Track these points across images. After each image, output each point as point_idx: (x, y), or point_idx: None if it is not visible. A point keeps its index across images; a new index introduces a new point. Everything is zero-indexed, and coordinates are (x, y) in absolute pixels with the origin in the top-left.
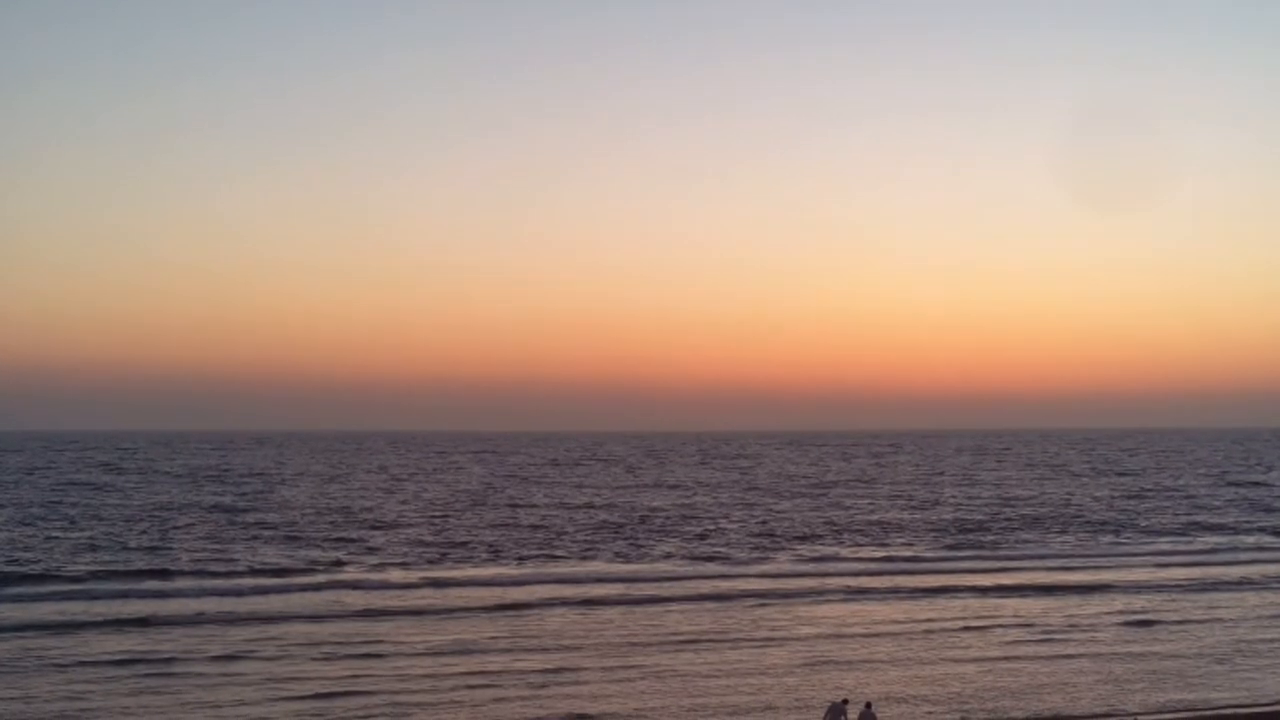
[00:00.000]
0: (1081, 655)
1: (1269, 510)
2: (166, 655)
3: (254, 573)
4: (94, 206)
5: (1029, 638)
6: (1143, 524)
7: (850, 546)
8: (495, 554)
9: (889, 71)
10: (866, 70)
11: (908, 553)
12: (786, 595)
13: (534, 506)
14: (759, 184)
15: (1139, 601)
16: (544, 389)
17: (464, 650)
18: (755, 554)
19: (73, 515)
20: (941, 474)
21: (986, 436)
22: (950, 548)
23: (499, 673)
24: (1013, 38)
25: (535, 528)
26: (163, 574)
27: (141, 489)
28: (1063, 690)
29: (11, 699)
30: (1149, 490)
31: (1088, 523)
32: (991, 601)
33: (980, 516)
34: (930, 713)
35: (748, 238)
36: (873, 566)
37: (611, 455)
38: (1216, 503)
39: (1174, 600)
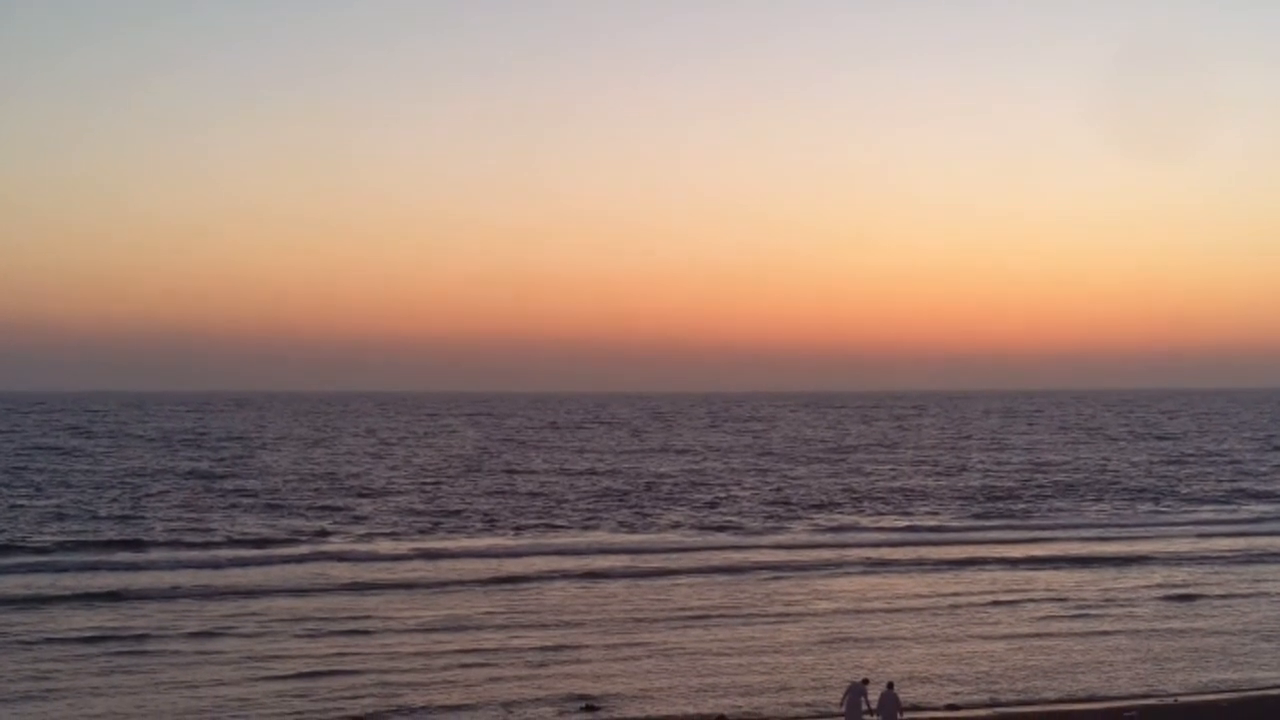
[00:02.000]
0: (1118, 632)
1: None
2: (139, 632)
3: (233, 544)
4: (57, 153)
5: (1062, 613)
6: (1184, 491)
7: (871, 515)
8: (491, 523)
9: (910, 7)
10: (886, 5)
11: (932, 522)
12: (802, 567)
13: (532, 473)
14: (773, 128)
15: (1180, 574)
16: (543, 347)
17: (457, 626)
18: (769, 524)
19: (38, 482)
20: (968, 438)
21: (1016, 398)
22: (978, 517)
23: (494, 650)
24: None
25: (533, 495)
26: (135, 545)
27: (112, 454)
28: (1098, 669)
29: None
30: (1190, 455)
31: (1125, 490)
32: (1022, 574)
33: (1010, 483)
34: (957, 693)
35: (760, 185)
36: (895, 537)
37: (615, 418)
38: (1263, 469)
39: (1217, 573)
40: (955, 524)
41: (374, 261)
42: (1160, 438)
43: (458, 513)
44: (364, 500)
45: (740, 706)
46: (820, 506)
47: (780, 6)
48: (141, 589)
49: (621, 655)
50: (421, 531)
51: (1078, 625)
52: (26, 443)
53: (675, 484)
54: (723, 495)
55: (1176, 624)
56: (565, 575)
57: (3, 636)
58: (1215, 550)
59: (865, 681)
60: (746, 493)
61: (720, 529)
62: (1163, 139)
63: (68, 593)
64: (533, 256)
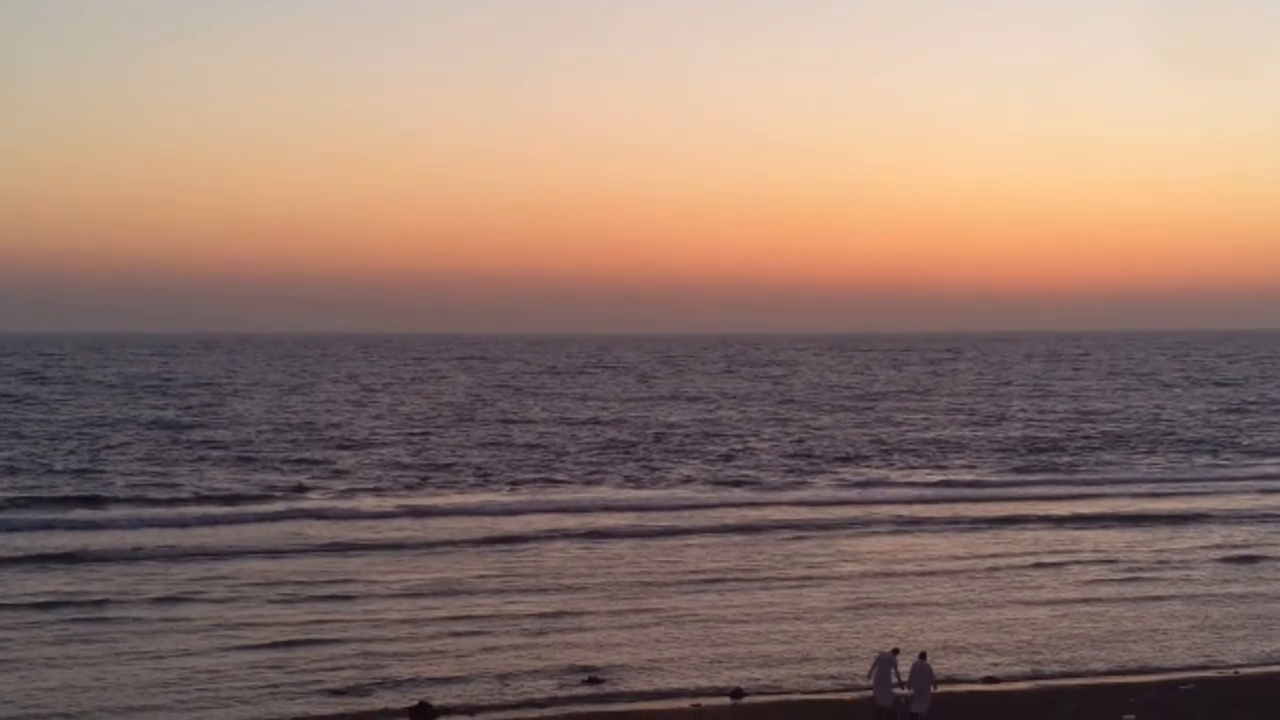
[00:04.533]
0: (1173, 597)
1: None
2: (98, 597)
3: (201, 500)
4: (7, 77)
5: (1111, 576)
6: (1245, 443)
7: (901, 469)
8: (484, 478)
9: None
10: None
11: (969, 476)
12: (826, 526)
13: (530, 422)
14: (791, 49)
15: (1240, 533)
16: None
17: (447, 591)
18: (790, 478)
19: None
20: (1008, 384)
21: (1061, 340)
22: (1019, 470)
23: (488, 617)
24: None
25: (531, 447)
26: (94, 501)
27: (69, 401)
28: (1151, 638)
29: None
30: (1252, 403)
31: (1180, 441)
32: (1067, 533)
33: (1054, 434)
34: (995, 664)
35: (779, 110)
36: (928, 493)
37: (621, 362)
38: None
39: None
40: (994, 478)
41: (357, 191)
42: (1219, 384)
43: (448, 466)
44: (345, 453)
45: (758, 679)
46: (846, 459)
47: None
48: (101, 550)
49: (627, 623)
50: (408, 487)
51: (1128, 590)
52: None
53: (687, 435)
54: (739, 447)
55: (1237, 588)
56: (566, 535)
57: None
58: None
59: (895, 651)
60: (765, 444)
61: (736, 484)
62: (1223, 56)
63: (19, 554)
64: (531, 186)
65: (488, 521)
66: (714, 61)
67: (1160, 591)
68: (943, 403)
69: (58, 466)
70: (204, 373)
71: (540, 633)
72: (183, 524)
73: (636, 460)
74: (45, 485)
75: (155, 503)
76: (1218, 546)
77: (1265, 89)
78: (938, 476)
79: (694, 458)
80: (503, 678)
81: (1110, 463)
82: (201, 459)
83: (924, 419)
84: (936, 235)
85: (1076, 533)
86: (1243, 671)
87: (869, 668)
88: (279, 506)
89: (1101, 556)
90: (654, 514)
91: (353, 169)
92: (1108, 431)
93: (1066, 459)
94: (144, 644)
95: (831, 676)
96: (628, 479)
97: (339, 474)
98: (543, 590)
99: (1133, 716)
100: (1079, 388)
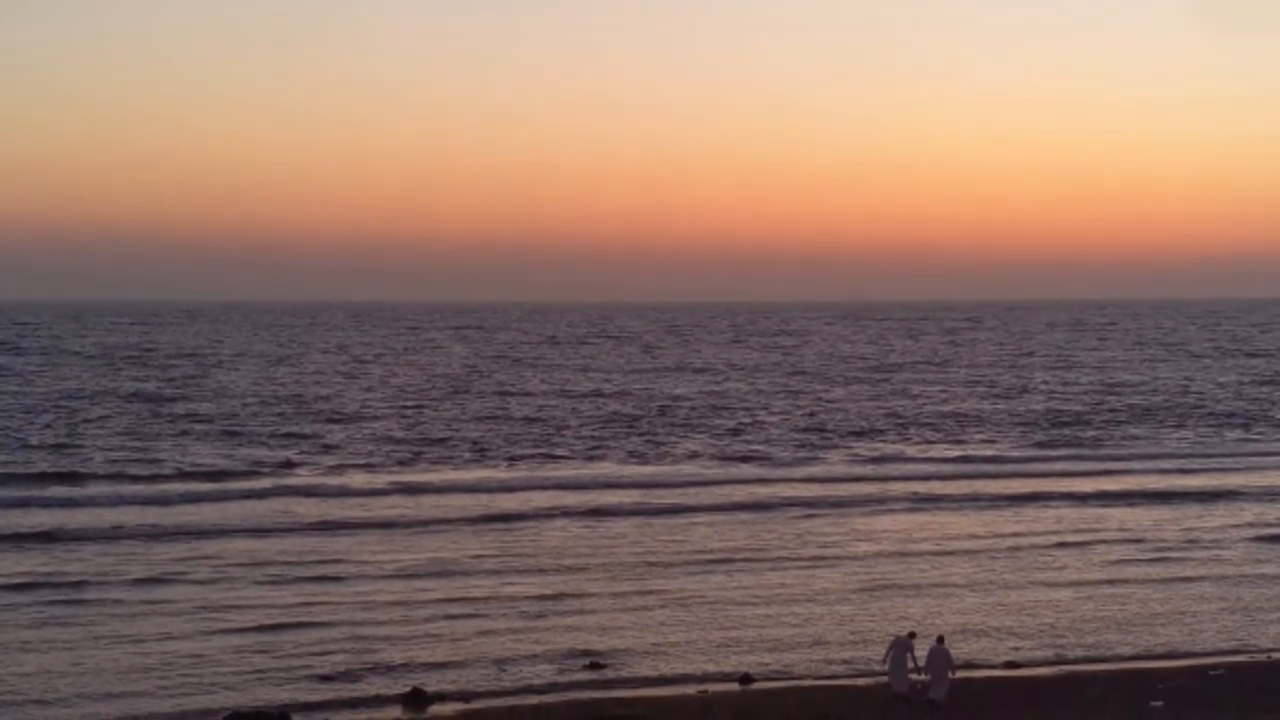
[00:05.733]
0: (1203, 578)
1: None
2: (76, 578)
3: (184, 476)
4: None
5: (1138, 556)
6: (1278, 416)
7: (918, 444)
8: (481, 453)
9: None
10: None
11: (989, 451)
12: (839, 504)
13: (529, 395)
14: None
15: (1273, 511)
16: (541, 250)
17: (442, 571)
18: (801, 453)
19: None
20: (1030, 354)
21: (1086, 308)
22: (1041, 446)
23: (485, 599)
24: None
25: (530, 421)
26: (71, 478)
27: (45, 373)
28: (1180, 621)
29: None
30: None
31: (1211, 415)
32: (1092, 511)
33: (1078, 407)
34: (1017, 648)
35: (791, 67)
36: (946, 469)
37: (624, 331)
38: None
39: None
40: (1015, 454)
41: (347, 151)
42: (1251, 354)
43: (443, 441)
44: (335, 427)
45: (768, 664)
46: (860, 434)
47: None
48: (79, 528)
49: (631, 605)
50: (401, 462)
51: (1156, 570)
52: None
53: (693, 408)
54: (748, 421)
55: (1270, 569)
56: (566, 513)
57: None
58: None
59: (912, 635)
60: (775, 418)
61: (745, 460)
62: (1261, 10)
63: None
64: (530, 145)
65: (484, 499)
66: (724, 14)
67: (1189, 572)
68: (961, 374)
69: (33, 441)
70: (187, 343)
71: (539, 615)
72: (165, 501)
73: (640, 435)
74: (20, 461)
75: (136, 479)
76: (1249, 525)
77: None
78: (956, 452)
79: (701, 432)
80: (500, 663)
81: (1137, 437)
82: (184, 433)
83: (942, 391)
84: (955, 199)
85: (1101, 511)
86: (1276, 656)
87: (884, 652)
88: (265, 483)
89: (1128, 536)
90: (659, 491)
91: (342, 128)
92: (1134, 404)
93: (1091, 433)
94: (124, 627)
95: (845, 661)
96: (631, 454)
97: (328, 449)
98: (542, 571)
99: (1160, 703)
100: (1104, 358)
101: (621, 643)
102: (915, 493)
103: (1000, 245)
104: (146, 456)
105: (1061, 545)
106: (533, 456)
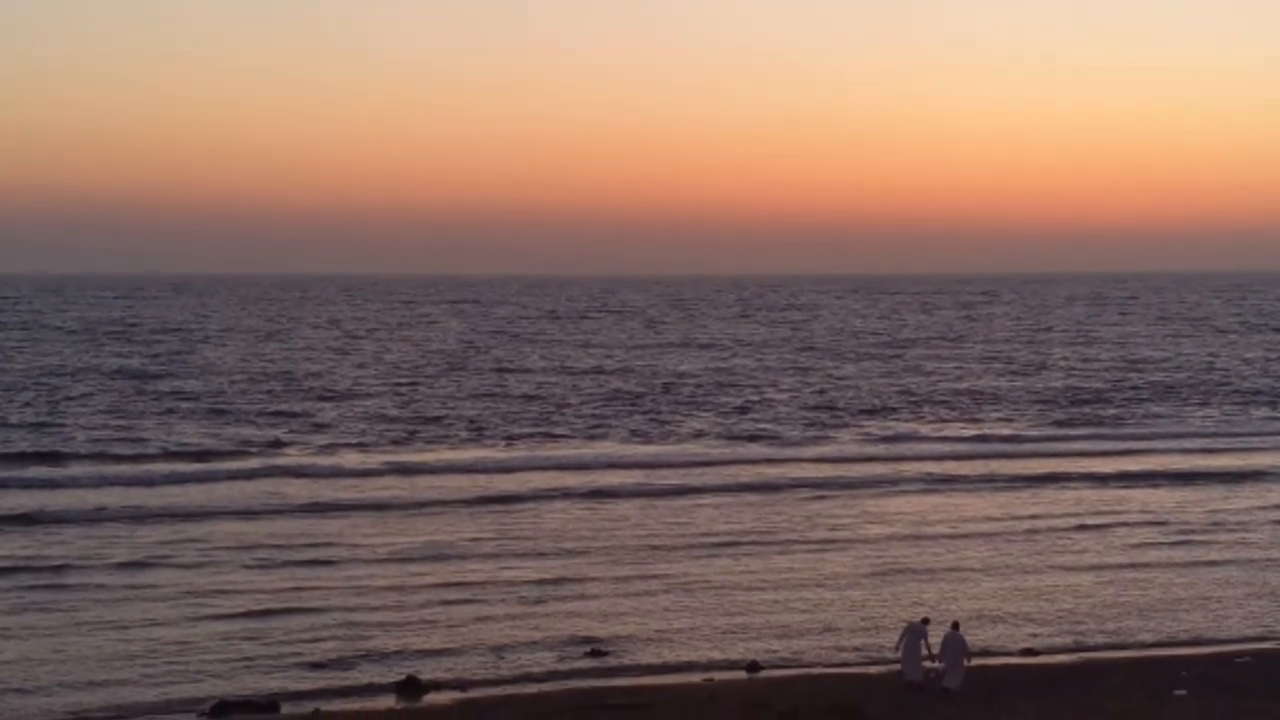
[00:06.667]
0: (1228, 562)
1: None
2: (57, 562)
3: (169, 456)
4: None
5: (1161, 539)
6: None
7: (932, 422)
8: (478, 432)
9: None
10: None
11: (1005, 431)
12: (850, 485)
13: (528, 371)
14: None
15: None
16: (540, 221)
17: (438, 555)
18: (810, 432)
19: None
20: (1049, 330)
21: (1107, 281)
22: (1060, 424)
23: (482, 584)
24: None
25: (529, 399)
26: (52, 458)
27: (25, 349)
28: (1204, 607)
29: None
30: None
31: (1236, 392)
32: (1113, 493)
33: (1099, 384)
34: (1035, 635)
35: (802, 30)
36: (961, 448)
37: (627, 305)
38: None
39: None
40: (1033, 433)
41: (340, 119)
42: (1279, 329)
43: (438, 419)
44: (326, 405)
45: (776, 651)
46: (872, 412)
47: None
48: (60, 510)
49: (634, 590)
50: (395, 442)
51: (1179, 554)
52: None
53: (698, 385)
54: (755, 399)
55: None
56: (567, 494)
57: None
58: None
59: (926, 621)
60: (783, 396)
61: (752, 439)
62: None
63: None
64: (529, 113)
65: (481, 480)
66: None
67: (1214, 556)
68: (977, 350)
69: (13, 420)
70: (172, 317)
71: (538, 601)
72: (149, 482)
73: (644, 413)
74: None
75: (119, 459)
76: (1276, 507)
77: None
78: (971, 431)
79: (706, 410)
80: (498, 650)
81: (1160, 416)
82: (170, 411)
83: (957, 368)
84: (971, 168)
85: (1123, 492)
86: None
87: (897, 639)
88: (254, 463)
89: (1150, 518)
90: (663, 471)
91: (336, 95)
92: (1157, 382)
93: (1112, 411)
94: (107, 613)
95: (856, 649)
96: (634, 433)
97: (319, 428)
98: (541, 554)
99: (1184, 691)
100: (1126, 334)
101: (624, 629)
102: (929, 473)
103: (1018, 216)
104: (130, 436)
105: (1081, 528)
106: (532, 436)
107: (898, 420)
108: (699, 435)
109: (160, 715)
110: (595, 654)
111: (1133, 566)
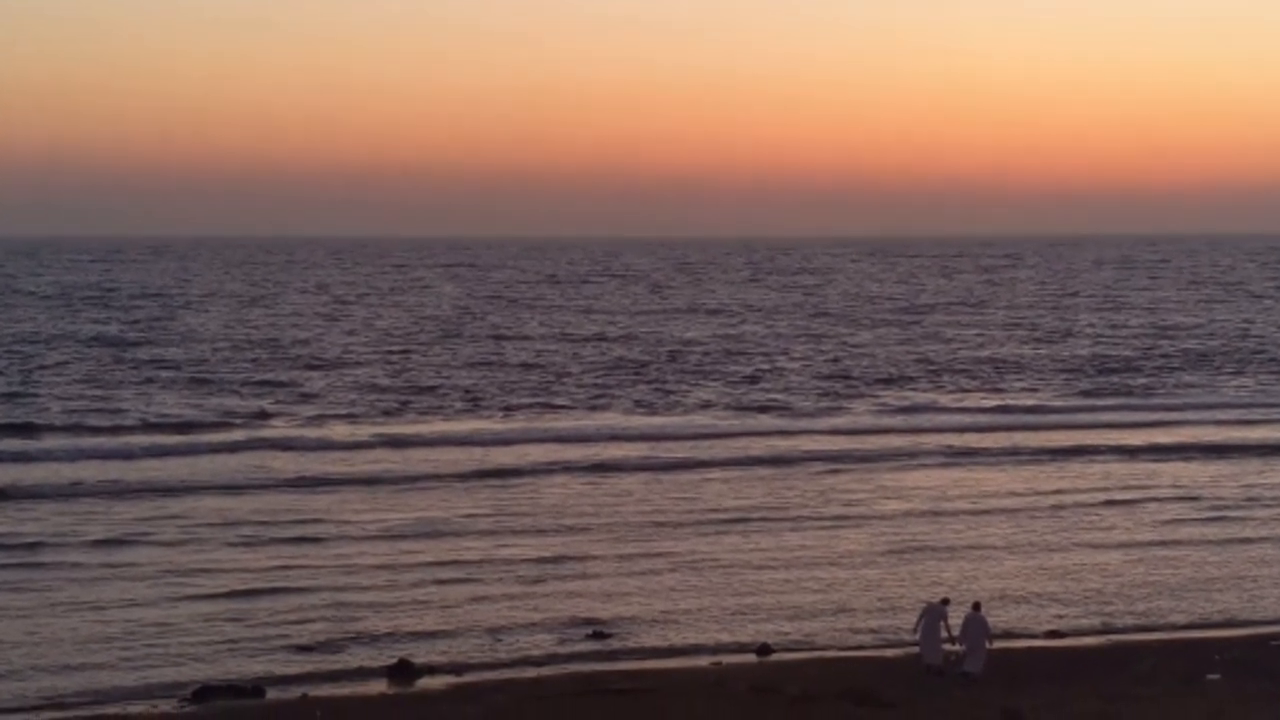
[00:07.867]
0: (1264, 539)
1: None
2: (31, 539)
3: (148, 428)
4: None
5: (1193, 515)
6: None
7: (952, 392)
8: (474, 403)
9: None
10: None
11: (1029, 401)
12: (866, 458)
13: (526, 339)
14: None
15: None
16: (540, 180)
17: (431, 532)
18: (824, 403)
19: None
20: (1075, 295)
21: (1136, 244)
22: (1087, 394)
23: (478, 563)
24: None
25: (528, 367)
26: (26, 430)
27: None
28: (1238, 586)
29: None
30: None
31: (1272, 360)
32: (1142, 466)
33: (1128, 352)
34: (1060, 616)
35: None
36: (982, 420)
37: (631, 269)
38: None
39: None
40: (1058, 403)
41: (329, 74)
42: None
43: (432, 389)
44: (314, 374)
45: (788, 633)
46: (888, 381)
47: None
48: (34, 485)
49: (638, 569)
50: (386, 413)
51: (1212, 531)
52: None
53: (706, 353)
54: (766, 367)
55: None
56: (567, 468)
57: None
58: None
59: (945, 602)
60: (796, 364)
61: (762, 410)
62: None
63: None
64: (529, 68)
65: (478, 452)
66: None
67: (1249, 533)
68: (999, 316)
69: None
70: (152, 282)
71: (538, 580)
72: (128, 455)
73: (648, 382)
74: None
75: (96, 431)
76: None
77: None
78: (993, 401)
79: (714, 379)
80: (494, 632)
81: (1192, 385)
82: (149, 381)
83: (978, 335)
84: (992, 124)
85: (1153, 465)
86: None
87: (915, 620)
88: (238, 435)
89: (1182, 493)
90: (668, 444)
91: (325, 49)
92: (1189, 349)
93: (1141, 381)
94: (83, 593)
95: (872, 630)
96: (638, 404)
97: (307, 398)
98: (540, 531)
99: (1217, 676)
100: (1156, 299)
101: (627, 610)
102: (949, 446)
103: (1042, 175)
104: (108, 406)
105: (1109, 503)
106: (530, 406)
107: (916, 390)
108: (706, 406)
109: (140, 700)
110: (597, 636)
111: (1163, 544)
